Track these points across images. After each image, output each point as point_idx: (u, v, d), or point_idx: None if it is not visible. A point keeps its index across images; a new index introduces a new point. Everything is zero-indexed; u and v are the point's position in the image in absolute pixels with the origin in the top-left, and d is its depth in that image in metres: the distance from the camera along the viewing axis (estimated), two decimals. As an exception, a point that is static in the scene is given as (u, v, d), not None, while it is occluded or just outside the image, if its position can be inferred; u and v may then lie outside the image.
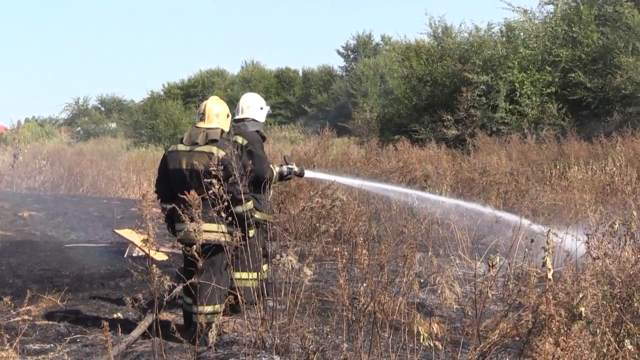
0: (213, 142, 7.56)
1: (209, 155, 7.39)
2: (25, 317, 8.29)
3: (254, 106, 9.04)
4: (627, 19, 27.55)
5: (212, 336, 6.45)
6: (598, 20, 29.54)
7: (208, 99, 8.17)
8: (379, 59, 60.33)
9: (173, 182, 7.62)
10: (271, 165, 8.94)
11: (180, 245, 6.86)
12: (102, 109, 73.64)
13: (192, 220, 6.24)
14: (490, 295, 6.22)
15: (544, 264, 5.85)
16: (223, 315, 7.44)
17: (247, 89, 55.22)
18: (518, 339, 6.13)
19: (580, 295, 5.14)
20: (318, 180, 12.51)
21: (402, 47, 36.37)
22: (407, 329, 6.07)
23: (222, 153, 7.40)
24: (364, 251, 6.15)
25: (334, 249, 8.03)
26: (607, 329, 5.55)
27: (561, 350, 5.13)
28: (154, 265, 5.95)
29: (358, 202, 13.51)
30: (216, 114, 7.84)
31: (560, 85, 28.64)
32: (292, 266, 6.33)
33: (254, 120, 8.96)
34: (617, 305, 5.74)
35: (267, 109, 9.20)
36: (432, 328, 5.67)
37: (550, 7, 31.72)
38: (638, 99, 26.12)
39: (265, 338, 6.99)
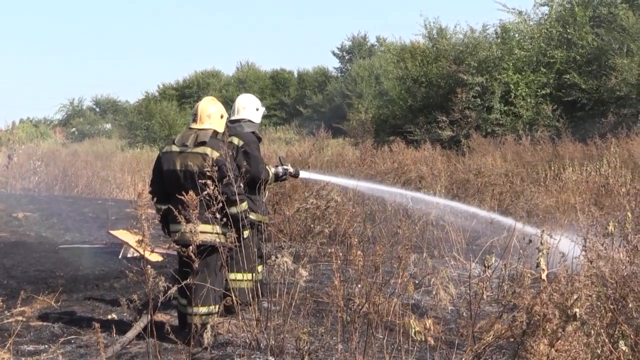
0: (202, 144, 7.55)
1: (203, 156, 7.37)
2: (20, 318, 8.27)
3: (249, 107, 9.03)
4: (622, 21, 27.62)
5: (206, 337, 6.46)
6: (593, 22, 29.61)
7: (202, 99, 8.18)
8: (374, 60, 60.36)
9: (167, 183, 7.61)
10: (267, 166, 8.94)
11: (176, 247, 6.86)
12: (97, 109, 73.56)
13: (187, 221, 6.24)
14: (484, 297, 6.22)
15: (538, 265, 5.86)
16: (218, 316, 7.44)
17: (242, 90, 55.27)
18: (512, 340, 6.13)
19: (575, 297, 5.14)
20: (313, 181, 12.51)
21: (397, 48, 36.48)
22: (401, 330, 6.07)
23: (216, 154, 7.39)
24: (359, 252, 6.16)
25: (329, 250, 8.04)
26: (602, 330, 5.56)
27: (555, 351, 5.13)
28: (149, 266, 5.94)
29: (353, 203, 13.51)
30: (208, 114, 7.83)
31: (555, 86, 28.71)
32: (287, 267, 6.33)
33: (249, 121, 8.95)
34: (612, 307, 5.75)
35: (262, 110, 9.20)
36: (426, 325, 5.67)
37: (545, 9, 31.82)
38: (632, 100, 26.19)
39: (260, 339, 6.99)
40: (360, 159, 19.08)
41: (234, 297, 7.19)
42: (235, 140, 8.62)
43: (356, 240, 6.78)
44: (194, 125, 7.82)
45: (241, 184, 7.51)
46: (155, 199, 7.87)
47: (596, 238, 6.75)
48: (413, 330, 5.73)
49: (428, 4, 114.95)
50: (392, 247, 8.30)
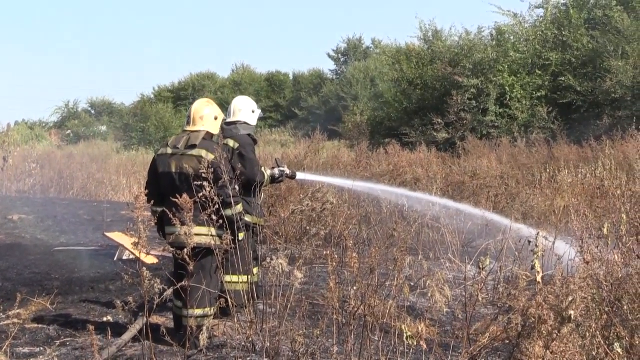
0: (193, 146, 7.55)
1: (199, 158, 7.37)
2: (15, 320, 8.25)
3: (245, 109, 9.03)
4: (617, 23, 27.66)
5: (202, 339, 6.46)
6: (588, 24, 29.64)
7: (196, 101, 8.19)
8: (370, 63, 60.37)
9: (163, 186, 7.61)
10: (262, 168, 8.93)
11: (171, 249, 6.85)
12: (93, 112, 73.48)
13: (182, 223, 6.24)
14: (480, 299, 6.23)
15: (533, 268, 5.87)
16: (213, 319, 7.44)
17: (237, 92, 55.25)
18: (508, 342, 6.14)
19: (570, 299, 5.15)
20: (309, 182, 12.51)
21: (393, 50, 36.48)
22: (397, 332, 6.07)
23: (211, 156, 7.39)
24: (354, 254, 6.16)
25: (324, 252, 8.03)
26: (597, 332, 5.57)
27: (551, 353, 5.14)
28: (144, 269, 5.94)
29: (348, 205, 13.52)
30: (200, 116, 7.82)
31: (550, 88, 28.74)
32: (282, 269, 6.33)
33: (245, 123, 8.95)
34: (607, 309, 5.75)
35: (258, 112, 9.20)
36: (419, 329, 5.66)
37: (540, 11, 31.84)
38: (628, 102, 26.21)
39: (256, 341, 6.99)
40: (356, 161, 19.11)
41: (229, 300, 7.19)
42: (231, 143, 8.63)
43: (352, 242, 6.77)
44: (187, 128, 7.82)
45: (236, 186, 7.50)
46: (150, 201, 7.87)
47: (591, 240, 6.76)
48: (406, 335, 5.73)
49: (424, 7, 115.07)
50: (387, 249, 8.29)
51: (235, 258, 7.41)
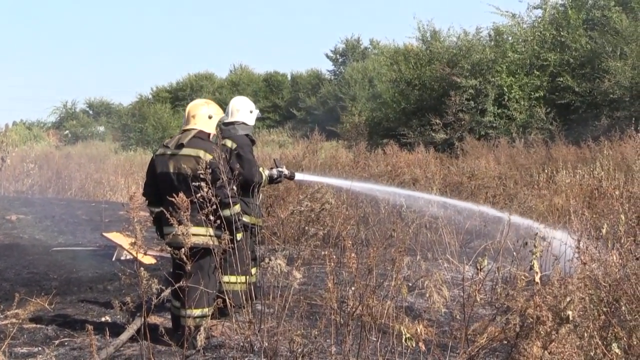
0: (180, 146, 7.57)
1: (196, 158, 7.37)
2: (13, 320, 8.26)
3: (243, 109, 9.03)
4: (615, 24, 27.66)
5: (200, 339, 6.45)
6: (586, 25, 29.65)
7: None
8: (368, 63, 60.32)
9: (161, 186, 7.61)
10: (260, 169, 8.93)
11: (169, 249, 6.85)
12: (91, 112, 73.40)
13: (180, 223, 6.24)
14: (478, 299, 6.23)
15: (531, 268, 5.87)
16: (211, 319, 7.44)
17: (235, 92, 55.24)
18: (506, 342, 6.14)
19: (568, 299, 5.15)
20: (307, 183, 12.50)
21: (391, 51, 36.48)
22: (395, 333, 6.07)
23: (209, 157, 7.39)
24: (353, 255, 6.16)
25: (323, 253, 8.03)
26: (595, 333, 5.57)
27: (549, 353, 5.14)
28: (142, 269, 5.94)
29: (347, 206, 13.51)
30: (193, 115, 7.85)
31: (548, 89, 28.75)
32: (280, 270, 6.33)
33: (243, 123, 8.95)
34: (605, 309, 5.76)
35: (256, 112, 9.20)
36: (417, 329, 5.67)
37: (539, 12, 31.85)
38: (626, 103, 26.22)
39: (254, 341, 6.98)
40: (354, 162, 19.10)
41: (227, 300, 7.19)
42: (229, 143, 8.63)
43: (350, 242, 6.77)
44: (183, 127, 7.87)
45: (234, 187, 7.50)
46: (148, 201, 7.88)
47: (589, 241, 6.77)
48: (404, 335, 5.72)
49: (422, 7, 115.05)
50: (385, 250, 8.29)
51: (233, 258, 7.41)
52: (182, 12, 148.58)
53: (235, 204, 7.51)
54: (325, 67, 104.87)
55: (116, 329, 7.69)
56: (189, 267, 6.19)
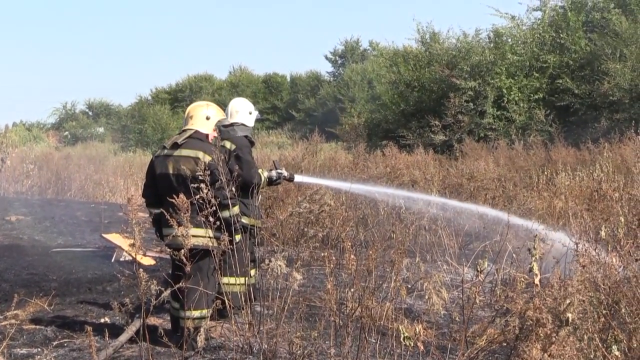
0: (175, 146, 7.59)
1: (195, 160, 7.38)
2: (13, 321, 8.26)
3: (242, 111, 9.03)
4: (615, 26, 27.62)
5: (199, 341, 6.45)
6: (586, 27, 29.61)
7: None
8: (367, 65, 60.22)
9: (160, 187, 7.61)
10: (259, 170, 8.93)
11: (168, 250, 6.85)
12: (90, 113, 73.32)
13: (179, 224, 6.24)
14: (477, 301, 6.23)
15: (530, 270, 5.87)
16: (210, 320, 7.44)
17: (234, 94, 55.17)
18: (505, 344, 6.15)
19: (568, 301, 5.15)
20: (306, 185, 12.51)
21: (390, 52, 36.39)
22: (394, 334, 6.07)
23: (208, 158, 7.40)
24: (352, 256, 6.16)
25: (322, 254, 8.03)
26: (595, 335, 5.57)
27: (548, 356, 5.14)
28: (141, 270, 5.94)
29: (346, 207, 13.51)
30: (191, 116, 7.89)
31: (547, 91, 28.70)
32: (280, 271, 6.33)
33: (242, 125, 8.95)
34: (604, 312, 5.75)
35: (255, 113, 9.20)
36: (416, 331, 5.66)
37: (538, 14, 31.79)
38: (625, 105, 26.19)
39: (253, 343, 6.98)
40: (353, 163, 19.10)
41: (227, 301, 7.19)
42: (228, 144, 8.63)
43: (349, 244, 6.77)
44: (182, 128, 7.90)
45: (233, 188, 7.50)
46: (147, 202, 7.89)
47: (589, 243, 6.77)
48: (403, 337, 5.72)
49: (421, 9, 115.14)
50: (384, 252, 8.29)
51: (232, 260, 7.41)
52: (181, 13, 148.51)
53: (234, 205, 7.52)
54: (325, 68, 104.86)
55: (115, 330, 7.70)
56: (188, 269, 6.19)
